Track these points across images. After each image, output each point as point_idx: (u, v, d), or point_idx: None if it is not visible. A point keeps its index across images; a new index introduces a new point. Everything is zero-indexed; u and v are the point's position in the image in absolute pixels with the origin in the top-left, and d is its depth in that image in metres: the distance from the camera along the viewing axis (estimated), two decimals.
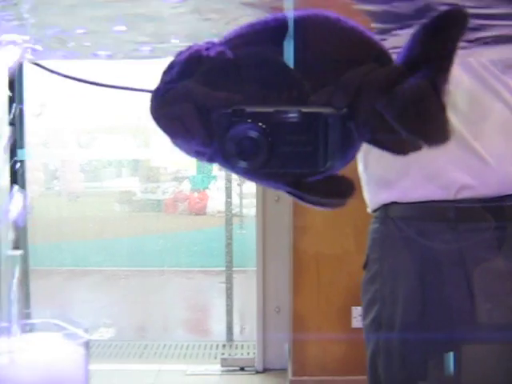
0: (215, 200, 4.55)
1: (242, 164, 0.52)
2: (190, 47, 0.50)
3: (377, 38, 0.52)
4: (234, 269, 2.81)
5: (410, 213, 1.03)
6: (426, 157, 0.99)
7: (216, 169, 4.87)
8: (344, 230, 2.10)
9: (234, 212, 3.58)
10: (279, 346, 2.32)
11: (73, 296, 3.25)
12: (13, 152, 2.49)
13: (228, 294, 2.76)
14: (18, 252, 0.78)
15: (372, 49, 0.51)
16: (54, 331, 0.85)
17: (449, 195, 0.97)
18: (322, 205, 0.53)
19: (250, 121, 0.51)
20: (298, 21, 0.51)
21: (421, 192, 1.00)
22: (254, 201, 4.57)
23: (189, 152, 0.51)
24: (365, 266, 1.09)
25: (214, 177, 4.65)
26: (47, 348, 0.80)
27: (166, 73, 0.50)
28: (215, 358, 2.57)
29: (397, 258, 1.02)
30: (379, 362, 1.01)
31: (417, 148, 0.55)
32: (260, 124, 0.50)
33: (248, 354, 2.55)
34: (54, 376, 0.74)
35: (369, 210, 1.11)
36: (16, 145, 2.48)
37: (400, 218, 1.03)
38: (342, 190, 0.54)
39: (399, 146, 0.54)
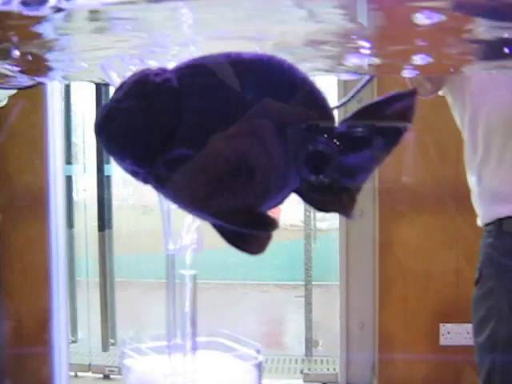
0: (288, 213, 4.55)
1: (317, 177, 0.52)
2: (142, 71, 0.51)
3: (323, 94, 0.53)
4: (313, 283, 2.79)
5: None
6: None
7: None
8: (432, 245, 2.07)
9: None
10: (363, 362, 2.29)
11: (151, 309, 3.29)
12: (100, 167, 2.57)
13: (307, 308, 2.74)
14: (191, 272, 0.79)
15: (317, 103, 0.52)
16: (222, 350, 0.85)
17: None
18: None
19: (323, 136, 0.52)
20: (250, 61, 0.52)
21: None
22: (327, 215, 4.54)
23: (126, 170, 0.52)
24: (476, 282, 1.06)
25: None
26: (220, 368, 0.81)
27: (116, 91, 0.51)
28: (295, 372, 2.56)
29: None
30: (497, 382, 0.99)
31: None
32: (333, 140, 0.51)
33: (328, 369, 2.52)
34: None
35: (479, 223, 1.08)
36: (103, 160, 2.55)
37: None
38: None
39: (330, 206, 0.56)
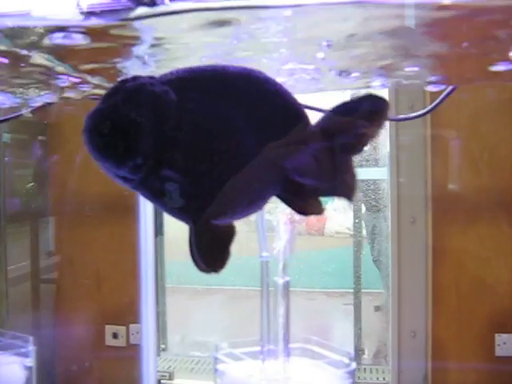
0: (333, 221, 4.54)
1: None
2: (134, 77, 0.50)
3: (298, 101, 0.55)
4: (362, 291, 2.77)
5: None
6: None
7: None
8: (486, 253, 2.03)
9: (351, 233, 3.53)
10: (414, 371, 2.25)
11: (197, 315, 3.32)
12: None
13: (356, 316, 2.71)
14: (284, 279, 0.80)
15: (292, 112, 0.54)
16: (312, 357, 0.86)
17: None
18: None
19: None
20: (234, 74, 0.51)
21: None
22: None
23: (114, 176, 0.52)
24: None
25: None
26: (313, 375, 0.81)
27: (109, 96, 0.50)
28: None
29: None
30: None
31: (317, 211, 0.57)
32: None
33: (378, 378, 2.49)
34: None
35: None
36: None
37: None
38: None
39: (301, 207, 0.56)
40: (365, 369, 2.65)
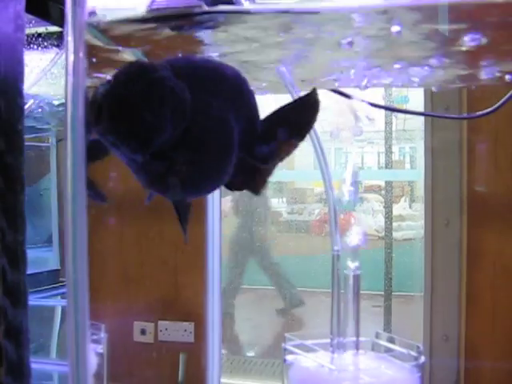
0: (361, 223, 4.51)
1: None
2: (138, 61, 0.50)
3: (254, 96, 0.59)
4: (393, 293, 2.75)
5: None
6: None
7: (362, 191, 4.84)
8: None
9: (380, 235, 3.51)
10: (447, 375, 2.23)
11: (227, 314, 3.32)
12: None
13: (386, 318, 2.70)
14: (354, 272, 0.80)
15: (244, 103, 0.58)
16: (381, 350, 0.86)
17: None
18: None
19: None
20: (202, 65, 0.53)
21: None
22: (403, 223, 4.46)
23: (124, 155, 0.53)
24: None
25: (361, 198, 4.61)
26: (382, 368, 0.81)
27: (117, 78, 0.49)
28: None
29: None
30: None
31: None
32: None
33: None
34: None
35: None
36: None
37: None
38: None
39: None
40: None
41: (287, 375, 0.92)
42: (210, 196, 1.17)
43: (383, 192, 3.01)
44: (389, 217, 2.78)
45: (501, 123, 2.01)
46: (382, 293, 2.80)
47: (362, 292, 3.40)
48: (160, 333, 2.41)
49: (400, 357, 0.83)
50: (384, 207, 2.82)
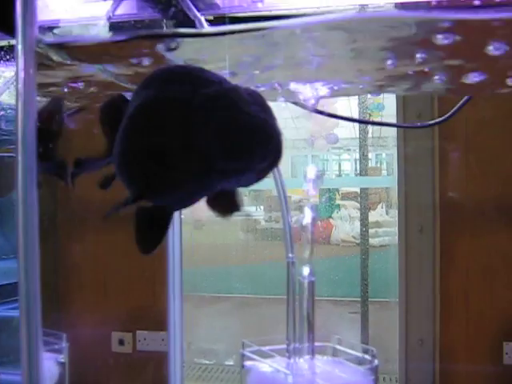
0: (339, 229, 4.55)
1: None
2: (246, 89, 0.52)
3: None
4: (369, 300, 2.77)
5: None
6: None
7: (339, 198, 4.87)
8: (494, 262, 2.04)
9: (357, 241, 3.54)
10: (422, 379, 2.26)
11: (203, 322, 3.32)
12: None
13: (363, 324, 2.72)
14: (308, 279, 0.81)
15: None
16: (336, 355, 0.87)
17: None
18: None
19: None
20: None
21: None
22: (379, 230, 4.50)
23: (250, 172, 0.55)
24: None
25: (338, 206, 4.65)
26: (337, 372, 0.83)
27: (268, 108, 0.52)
28: None
29: None
30: None
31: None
32: None
33: None
34: None
35: None
36: None
37: None
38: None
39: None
40: None
41: (245, 380, 0.93)
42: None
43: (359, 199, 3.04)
44: (364, 223, 2.81)
45: (471, 131, 2.04)
46: (359, 299, 2.82)
47: (338, 299, 3.42)
48: (138, 343, 2.40)
49: (355, 361, 0.85)
50: (359, 214, 2.85)
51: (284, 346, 0.92)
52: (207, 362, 2.86)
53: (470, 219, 2.07)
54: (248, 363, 0.96)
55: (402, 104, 2.15)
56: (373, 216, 4.20)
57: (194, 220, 5.18)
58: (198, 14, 0.44)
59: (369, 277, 2.72)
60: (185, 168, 0.51)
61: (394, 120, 2.27)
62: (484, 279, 2.05)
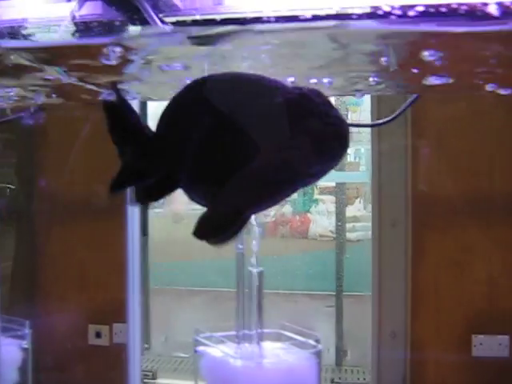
0: (317, 223, 4.58)
1: None
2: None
3: None
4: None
5: None
6: None
7: (317, 192, 4.90)
8: (465, 256, 2.08)
9: (334, 236, 3.55)
10: (394, 371, 2.30)
11: (182, 315, 3.34)
12: None
13: (338, 318, 2.76)
14: (257, 269, 0.84)
15: None
16: (284, 340, 0.90)
17: None
18: None
19: None
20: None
21: None
22: (357, 224, 4.54)
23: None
24: None
25: (316, 200, 4.68)
26: (282, 355, 0.86)
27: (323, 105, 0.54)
28: (325, 381, 2.58)
29: None
30: None
31: None
32: None
33: (359, 378, 2.54)
34: (292, 380, 0.80)
35: None
36: None
37: None
38: None
39: None
40: (346, 369, 2.70)
41: (198, 364, 0.96)
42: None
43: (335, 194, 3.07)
44: (339, 218, 2.84)
45: (443, 128, 2.09)
46: (334, 293, 2.86)
47: (315, 293, 3.44)
48: (115, 335, 2.41)
49: (300, 345, 0.89)
50: (335, 209, 2.89)
51: (235, 333, 0.95)
52: (183, 355, 2.88)
53: (441, 214, 2.12)
54: (200, 348, 0.99)
55: (377, 101, 2.19)
56: (350, 211, 4.23)
57: (172, 214, 5.20)
58: (155, 16, 0.46)
59: (344, 271, 2.76)
60: (278, 180, 0.52)
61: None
62: (454, 273, 2.09)
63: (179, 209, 5.22)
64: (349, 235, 4.06)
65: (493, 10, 0.47)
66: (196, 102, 0.55)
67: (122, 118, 0.61)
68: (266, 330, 0.94)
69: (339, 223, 2.86)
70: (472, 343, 2.08)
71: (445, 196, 2.10)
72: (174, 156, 0.57)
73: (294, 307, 3.45)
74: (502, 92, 0.80)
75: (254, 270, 0.86)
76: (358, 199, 5.01)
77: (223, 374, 0.95)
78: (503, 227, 2.07)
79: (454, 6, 0.48)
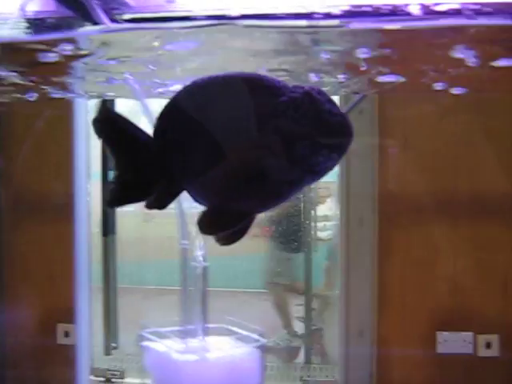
0: None
1: None
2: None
3: None
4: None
5: None
6: None
7: None
8: (430, 254, 2.11)
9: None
10: (361, 369, 2.32)
11: (151, 314, 3.33)
12: (104, 173, 2.60)
13: (307, 316, 2.77)
14: (202, 265, 0.84)
15: None
16: (228, 335, 0.91)
17: None
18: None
19: None
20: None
21: None
22: (328, 223, 4.55)
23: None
24: None
25: None
26: (227, 349, 0.86)
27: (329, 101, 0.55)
28: (294, 379, 2.59)
29: None
30: None
31: None
32: None
33: (327, 376, 2.55)
34: (235, 374, 0.80)
35: None
36: (107, 166, 2.57)
37: None
38: None
39: None
40: (314, 367, 2.71)
41: (143, 359, 0.97)
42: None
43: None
44: (307, 217, 2.86)
45: (409, 128, 2.11)
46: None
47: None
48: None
49: (244, 339, 0.90)
50: (302, 208, 2.90)
51: (180, 328, 0.96)
52: None
53: (407, 213, 2.14)
54: (145, 343, 1.00)
55: (345, 101, 2.20)
56: (322, 210, 4.24)
57: (143, 213, 5.16)
58: (102, 15, 0.46)
59: (312, 270, 2.77)
60: (286, 178, 0.53)
61: None
62: (419, 271, 2.12)
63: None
64: (319, 234, 4.07)
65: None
66: (196, 103, 0.54)
67: (120, 131, 0.59)
68: (211, 325, 0.95)
69: (306, 221, 2.88)
70: (437, 340, 2.12)
71: (411, 195, 2.12)
72: (176, 165, 0.56)
73: (262, 305, 3.46)
74: (455, 91, 0.81)
75: (200, 265, 0.87)
76: (330, 198, 5.03)
77: (166, 369, 0.96)
78: (468, 226, 2.11)
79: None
